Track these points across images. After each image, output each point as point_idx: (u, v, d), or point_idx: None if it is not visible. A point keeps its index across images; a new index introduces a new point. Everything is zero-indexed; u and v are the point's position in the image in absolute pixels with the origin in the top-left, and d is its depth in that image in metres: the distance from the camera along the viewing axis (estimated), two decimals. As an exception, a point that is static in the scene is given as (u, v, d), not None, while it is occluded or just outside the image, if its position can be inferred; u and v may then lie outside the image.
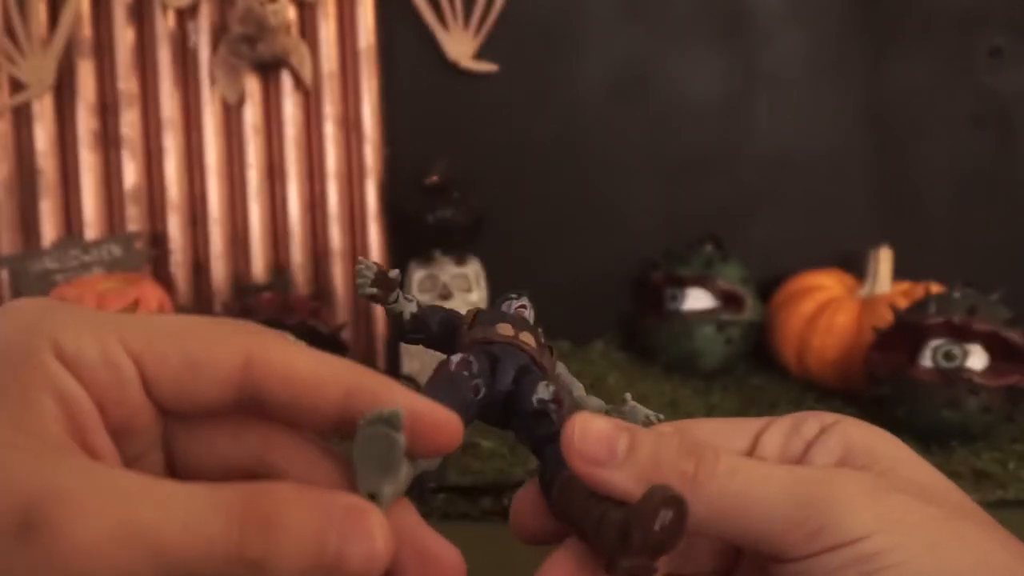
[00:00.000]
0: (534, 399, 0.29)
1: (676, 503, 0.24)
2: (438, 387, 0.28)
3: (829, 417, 0.28)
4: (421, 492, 0.59)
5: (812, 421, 0.28)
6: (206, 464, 0.26)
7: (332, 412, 0.25)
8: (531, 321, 0.33)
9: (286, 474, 0.26)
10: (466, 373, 0.29)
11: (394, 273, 0.32)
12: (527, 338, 0.32)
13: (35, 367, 0.22)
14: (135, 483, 0.21)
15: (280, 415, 0.25)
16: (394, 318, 0.33)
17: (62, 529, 0.20)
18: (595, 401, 0.33)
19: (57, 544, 0.20)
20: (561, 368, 0.34)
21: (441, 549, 0.26)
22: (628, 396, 0.31)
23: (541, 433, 0.29)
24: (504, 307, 0.34)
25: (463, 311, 0.33)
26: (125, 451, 0.25)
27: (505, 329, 0.32)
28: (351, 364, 0.26)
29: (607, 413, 0.31)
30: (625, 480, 0.25)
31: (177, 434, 0.26)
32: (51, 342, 0.23)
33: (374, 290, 0.31)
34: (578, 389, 0.33)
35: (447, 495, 0.60)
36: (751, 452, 0.29)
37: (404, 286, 0.83)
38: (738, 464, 0.26)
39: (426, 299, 0.81)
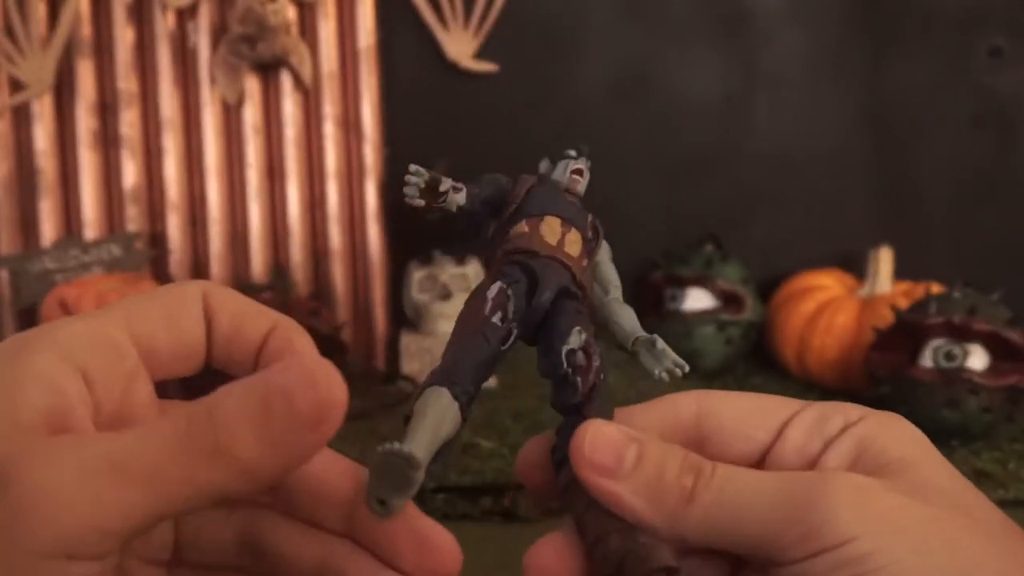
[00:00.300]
0: (564, 350, 0.29)
1: (670, 571, 0.25)
2: (467, 339, 0.29)
3: (855, 413, 0.28)
4: (422, 491, 0.59)
5: (837, 418, 0.28)
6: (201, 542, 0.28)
7: (257, 341, 0.29)
8: (584, 187, 0.33)
9: (305, 473, 0.27)
10: (498, 320, 0.29)
11: (445, 186, 0.31)
12: (572, 244, 0.31)
13: (28, 361, 0.24)
14: (94, 435, 0.23)
15: (220, 342, 0.28)
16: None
17: (28, 479, 0.21)
18: (628, 317, 0.32)
19: (26, 493, 0.21)
20: (604, 254, 0.33)
21: (437, 535, 0.27)
22: (658, 339, 0.31)
23: (564, 401, 0.29)
24: (559, 170, 0.33)
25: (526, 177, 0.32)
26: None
27: (551, 231, 0.31)
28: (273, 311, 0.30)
29: (634, 344, 0.31)
30: (629, 494, 0.26)
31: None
32: (50, 339, 0.24)
33: (421, 202, 0.30)
34: (615, 290, 0.33)
35: (447, 495, 0.60)
36: (772, 444, 0.29)
37: (404, 285, 0.84)
38: (732, 474, 0.26)
39: (425, 299, 0.81)
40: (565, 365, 0.29)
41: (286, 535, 0.28)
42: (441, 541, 0.27)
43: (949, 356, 0.68)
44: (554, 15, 0.91)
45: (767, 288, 0.88)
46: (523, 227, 0.31)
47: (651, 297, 0.87)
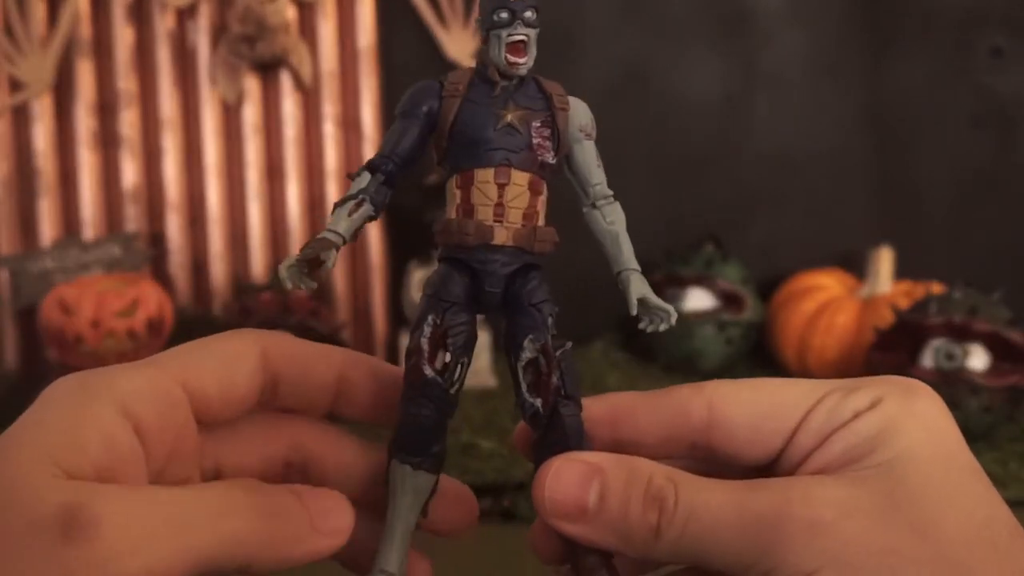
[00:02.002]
0: (519, 367, 0.28)
1: None
2: (412, 403, 0.28)
3: (871, 396, 0.28)
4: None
5: (848, 407, 0.28)
6: (248, 464, 0.30)
7: (332, 380, 0.30)
8: (530, 63, 0.28)
9: (317, 455, 0.30)
10: (440, 368, 0.27)
11: (327, 253, 0.27)
12: (517, 196, 0.28)
13: (89, 412, 0.25)
14: (160, 490, 0.25)
15: (291, 393, 0.29)
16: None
17: (103, 523, 0.22)
18: (612, 238, 0.30)
19: (100, 537, 0.22)
20: (578, 148, 0.29)
21: (455, 488, 0.31)
22: (634, 283, 0.29)
23: (525, 418, 0.28)
24: (493, 48, 0.28)
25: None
26: (173, 477, 0.28)
27: (484, 196, 0.27)
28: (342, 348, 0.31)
29: (619, 276, 0.29)
30: (596, 535, 0.27)
31: (221, 449, 0.29)
32: (109, 389, 0.25)
33: (313, 284, 0.28)
34: (594, 191, 0.30)
35: (447, 495, 0.60)
36: (785, 447, 0.28)
37: (404, 285, 0.83)
38: (694, 507, 0.26)
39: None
40: (524, 390, 0.28)
41: None
42: (459, 494, 0.30)
43: (949, 356, 0.68)
44: (553, 15, 0.91)
45: (767, 288, 0.88)
46: (454, 201, 0.28)
47: (651, 297, 0.87)
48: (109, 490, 0.23)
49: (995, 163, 0.94)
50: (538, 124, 0.28)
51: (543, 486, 0.27)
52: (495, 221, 0.28)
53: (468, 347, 0.28)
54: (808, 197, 0.94)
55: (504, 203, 0.28)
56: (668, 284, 0.85)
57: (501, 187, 0.28)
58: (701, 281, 0.84)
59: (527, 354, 0.28)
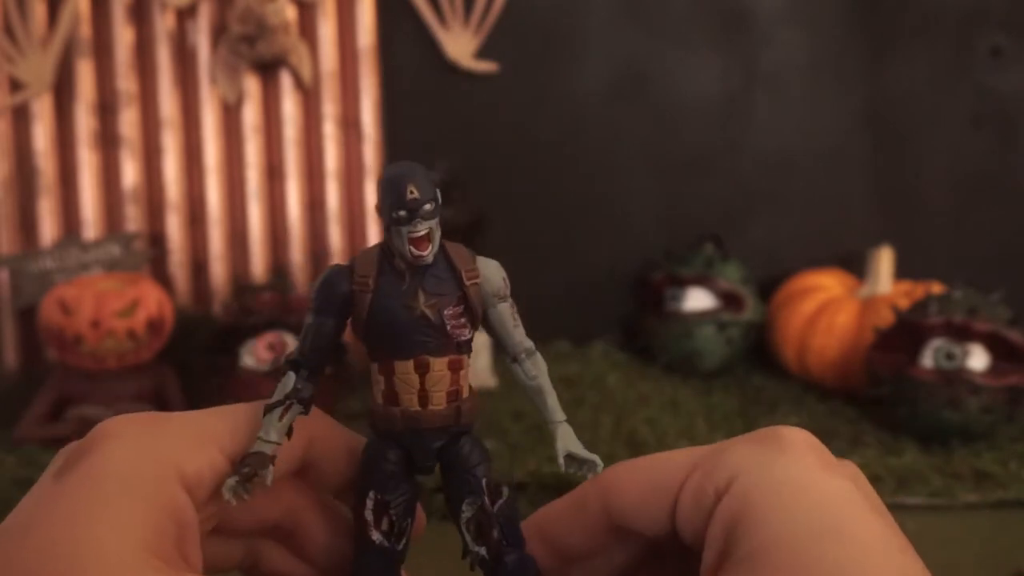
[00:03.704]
0: (463, 528, 0.29)
1: None
2: (364, 559, 0.29)
3: (728, 472, 0.27)
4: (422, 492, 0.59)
5: (710, 489, 0.27)
6: (243, 521, 0.31)
7: (354, 472, 0.31)
8: (435, 250, 0.28)
9: (306, 525, 0.32)
10: (385, 532, 0.29)
11: (264, 469, 0.28)
12: (438, 380, 0.29)
13: (164, 495, 0.27)
14: None
15: (315, 476, 0.32)
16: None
17: None
18: (540, 396, 0.30)
19: None
20: (496, 316, 0.30)
21: None
22: (564, 442, 0.30)
23: (480, 565, 0.29)
24: (397, 240, 0.28)
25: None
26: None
27: (407, 386, 0.28)
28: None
29: (550, 425, 0.30)
30: None
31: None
32: (176, 470, 0.27)
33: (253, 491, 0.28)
34: (522, 355, 0.30)
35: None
36: (673, 512, 0.29)
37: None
38: None
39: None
40: (469, 541, 0.29)
41: (283, 562, 0.32)
42: None
43: (949, 356, 0.68)
44: (554, 15, 0.91)
45: (767, 288, 0.88)
46: (378, 386, 0.29)
47: (651, 297, 0.87)
48: None
49: (995, 163, 0.94)
50: (450, 310, 0.29)
51: None
52: (419, 407, 0.29)
53: (410, 510, 0.30)
54: (808, 197, 0.94)
55: (427, 389, 0.29)
56: (668, 284, 0.85)
57: (422, 375, 0.29)
58: (701, 281, 0.84)
59: (467, 514, 0.29)
